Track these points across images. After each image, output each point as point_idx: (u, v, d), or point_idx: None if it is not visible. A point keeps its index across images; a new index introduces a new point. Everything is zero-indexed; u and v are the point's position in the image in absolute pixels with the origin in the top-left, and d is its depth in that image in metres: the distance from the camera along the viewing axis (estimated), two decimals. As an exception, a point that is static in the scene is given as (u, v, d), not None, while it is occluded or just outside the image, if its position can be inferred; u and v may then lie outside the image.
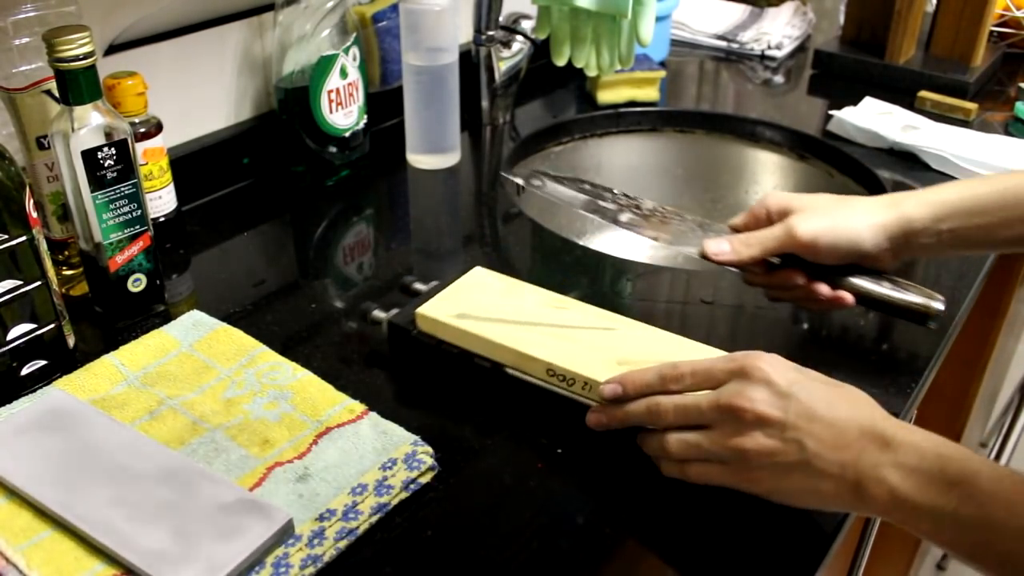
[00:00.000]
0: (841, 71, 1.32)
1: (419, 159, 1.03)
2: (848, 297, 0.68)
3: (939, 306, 0.67)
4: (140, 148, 0.78)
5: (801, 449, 0.53)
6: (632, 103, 1.20)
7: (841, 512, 0.58)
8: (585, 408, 0.63)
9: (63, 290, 0.75)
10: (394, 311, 0.70)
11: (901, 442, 0.51)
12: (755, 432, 0.54)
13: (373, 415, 0.64)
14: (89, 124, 0.67)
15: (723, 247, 0.71)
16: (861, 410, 0.54)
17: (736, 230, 0.73)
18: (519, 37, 1.13)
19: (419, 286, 0.74)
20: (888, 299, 0.68)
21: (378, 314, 0.71)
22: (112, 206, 0.70)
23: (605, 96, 1.20)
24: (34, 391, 0.65)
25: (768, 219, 0.71)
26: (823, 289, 0.68)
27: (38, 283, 0.65)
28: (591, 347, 0.64)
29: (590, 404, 0.62)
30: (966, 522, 0.49)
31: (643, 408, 0.58)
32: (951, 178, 1.02)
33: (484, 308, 0.68)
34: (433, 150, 1.03)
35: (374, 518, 0.57)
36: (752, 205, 0.73)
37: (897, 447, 0.51)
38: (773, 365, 0.55)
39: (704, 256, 0.71)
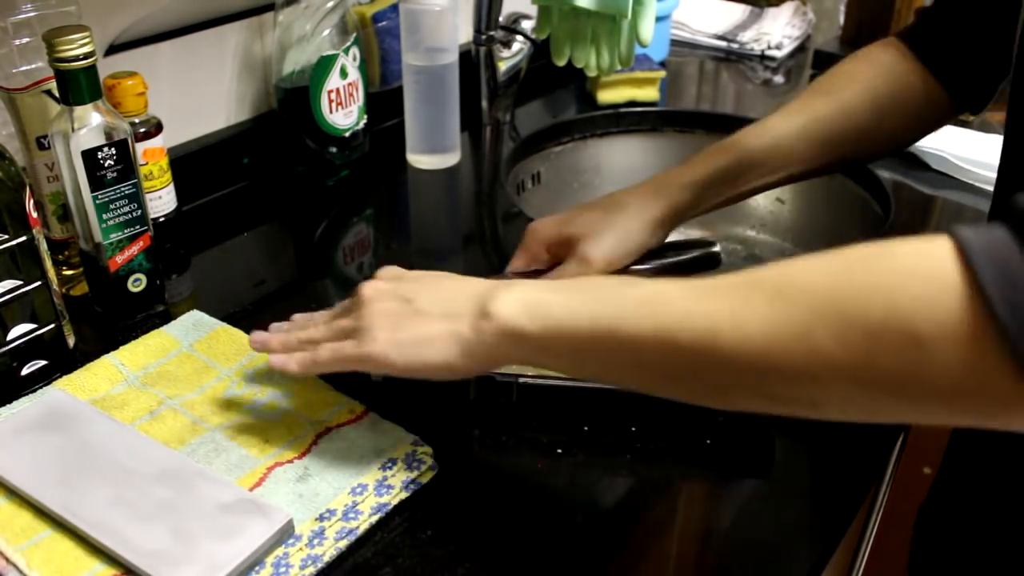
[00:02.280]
0: (841, 71, 1.31)
1: (419, 159, 1.03)
2: None
3: (717, 248, 0.75)
4: (140, 148, 0.78)
5: (412, 300, 0.55)
6: (632, 103, 1.20)
7: (483, 372, 0.57)
8: (620, 394, 0.62)
9: (63, 290, 0.75)
10: None
11: (510, 286, 0.52)
12: (373, 300, 0.56)
13: (373, 415, 0.64)
14: (89, 124, 0.67)
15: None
16: (473, 282, 0.56)
17: (516, 273, 0.74)
18: (519, 37, 1.13)
19: None
20: (678, 264, 0.74)
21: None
22: (112, 206, 0.70)
23: (605, 96, 1.20)
24: (34, 391, 0.65)
25: (546, 252, 0.73)
26: None
27: (38, 283, 0.65)
28: None
29: (627, 391, 0.63)
30: (590, 305, 0.48)
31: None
32: (951, 178, 1.02)
33: None
34: (433, 150, 1.03)
35: (374, 518, 0.57)
36: (523, 243, 0.74)
37: (509, 288, 0.52)
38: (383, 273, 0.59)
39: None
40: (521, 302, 0.51)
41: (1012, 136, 0.61)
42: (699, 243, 0.76)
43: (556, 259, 0.72)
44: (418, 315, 0.54)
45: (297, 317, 0.65)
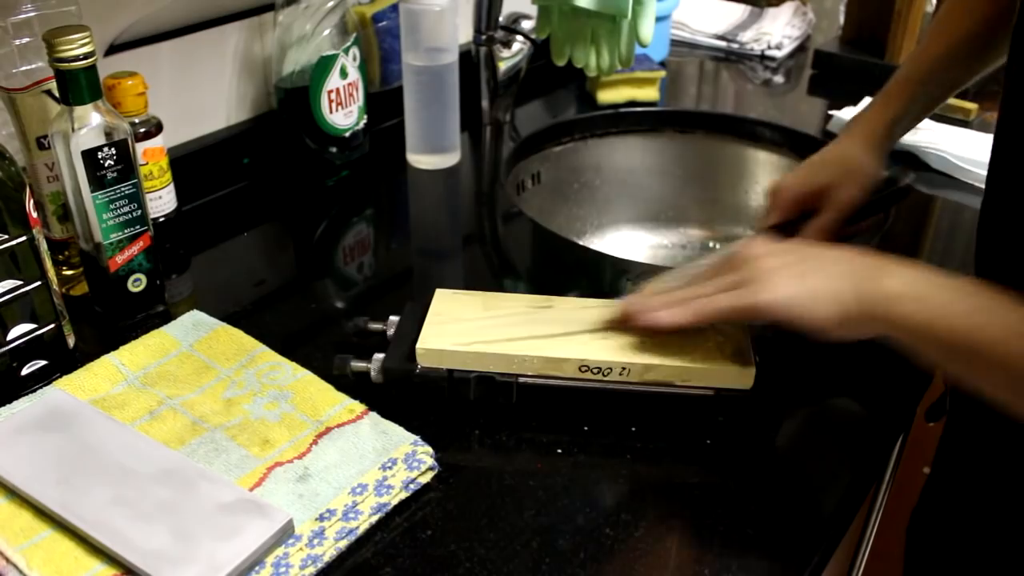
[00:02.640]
0: (841, 71, 1.32)
1: (419, 159, 1.03)
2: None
3: (908, 180, 0.86)
4: (140, 148, 0.78)
5: (801, 260, 0.58)
6: (632, 103, 1.20)
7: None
8: (620, 394, 0.64)
9: (63, 290, 0.75)
10: (377, 357, 0.66)
11: (899, 266, 0.56)
12: (757, 257, 0.59)
13: (373, 415, 0.64)
14: (89, 124, 0.67)
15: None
16: (857, 254, 0.58)
17: (774, 227, 0.80)
18: (519, 37, 1.13)
19: (375, 325, 0.71)
20: (878, 200, 0.83)
21: (359, 364, 0.66)
22: (112, 206, 0.70)
23: (605, 96, 1.20)
24: (34, 391, 0.65)
25: (796, 206, 0.79)
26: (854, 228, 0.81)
27: (38, 283, 0.65)
28: (604, 333, 0.65)
29: (627, 389, 0.63)
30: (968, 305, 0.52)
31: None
32: (951, 178, 1.02)
33: (478, 327, 0.66)
34: (433, 150, 1.03)
35: (374, 518, 0.57)
36: (771, 201, 0.81)
37: (899, 268, 0.55)
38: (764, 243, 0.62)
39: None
40: (910, 286, 0.54)
41: (1004, 132, 0.62)
42: (888, 181, 0.84)
43: (805, 210, 0.79)
44: (807, 272, 0.57)
45: (658, 282, 0.67)
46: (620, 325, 0.65)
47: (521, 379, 0.65)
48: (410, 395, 0.66)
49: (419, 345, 0.65)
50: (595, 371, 0.63)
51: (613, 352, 0.64)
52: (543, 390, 0.65)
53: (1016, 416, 0.51)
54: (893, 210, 0.95)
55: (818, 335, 0.57)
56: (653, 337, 0.64)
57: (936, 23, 0.81)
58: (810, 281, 0.56)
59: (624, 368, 0.63)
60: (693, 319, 0.60)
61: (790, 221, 0.80)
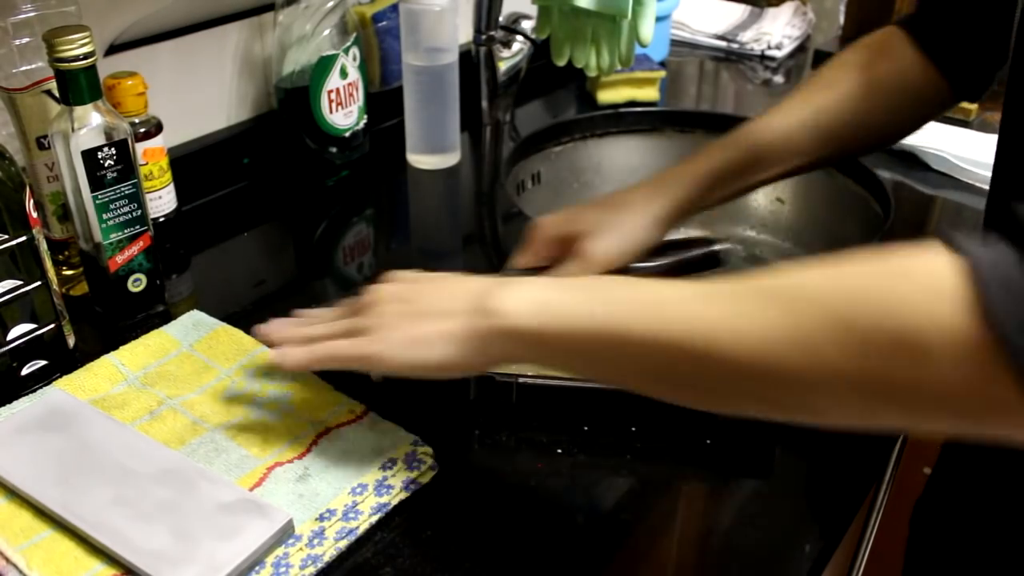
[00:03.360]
0: (841, 71, 1.31)
1: (419, 159, 1.03)
2: None
3: (719, 247, 0.76)
4: (140, 148, 0.78)
5: (413, 301, 0.55)
6: (632, 103, 1.20)
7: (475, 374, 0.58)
8: (620, 394, 0.63)
9: (63, 290, 0.75)
10: None
11: (511, 283, 0.52)
12: (377, 303, 0.57)
13: (373, 415, 0.64)
14: (89, 124, 0.67)
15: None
16: (474, 281, 0.55)
17: (518, 269, 0.74)
18: (519, 37, 1.13)
19: None
20: (681, 262, 0.75)
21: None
22: (112, 206, 0.70)
23: (605, 96, 1.20)
24: (34, 391, 0.65)
25: (549, 250, 0.72)
26: None
27: (38, 283, 0.65)
28: None
29: (627, 391, 0.63)
30: (598, 303, 0.48)
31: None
32: (951, 178, 1.02)
33: None
34: (433, 150, 1.03)
35: (374, 518, 0.57)
36: (526, 239, 0.73)
37: (510, 285, 0.52)
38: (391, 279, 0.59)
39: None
40: (522, 299, 0.51)
41: (1008, 131, 0.61)
42: (702, 241, 0.76)
43: (559, 256, 0.72)
44: (418, 316, 0.54)
45: (301, 313, 0.65)
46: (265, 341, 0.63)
47: (521, 379, 0.65)
48: (410, 395, 0.66)
49: None
50: None
51: None
52: (543, 390, 0.65)
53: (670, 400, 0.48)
54: (893, 208, 0.95)
55: (443, 375, 0.54)
56: None
57: (797, 92, 0.76)
58: (417, 326, 0.54)
59: None
60: (308, 363, 0.58)
61: (544, 266, 0.72)
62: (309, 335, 0.59)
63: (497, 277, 0.55)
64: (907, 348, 0.37)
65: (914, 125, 0.78)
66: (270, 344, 0.61)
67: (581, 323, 0.48)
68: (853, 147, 0.78)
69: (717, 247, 0.75)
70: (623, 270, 0.71)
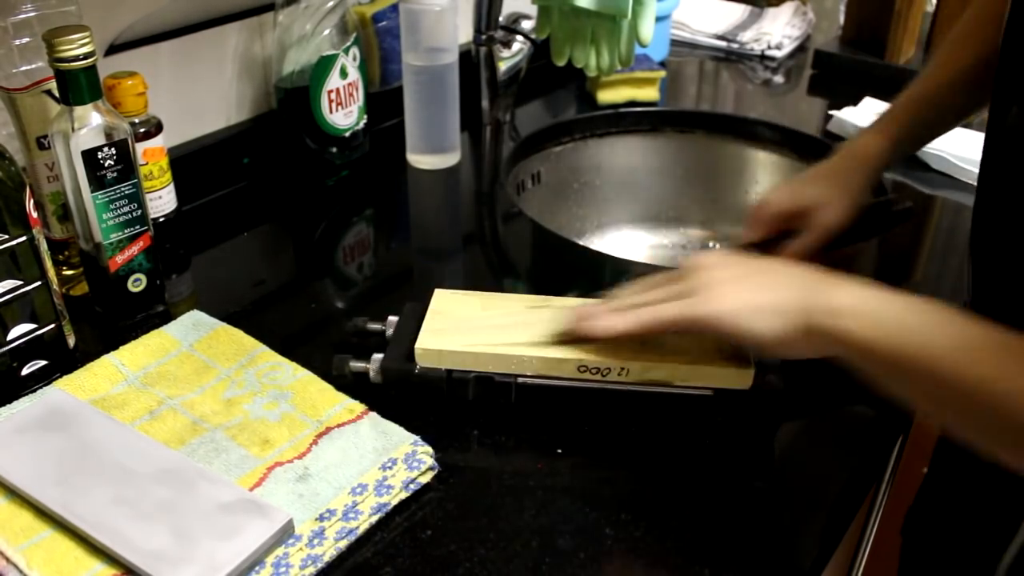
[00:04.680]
0: (841, 71, 1.32)
1: (419, 159, 1.03)
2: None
3: (909, 204, 0.84)
4: (140, 148, 0.78)
5: (750, 273, 0.57)
6: (632, 103, 1.20)
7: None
8: (620, 394, 0.64)
9: (63, 290, 0.75)
10: (376, 357, 0.66)
11: (848, 283, 0.54)
12: (704, 267, 0.59)
13: (373, 415, 0.64)
14: (89, 124, 0.67)
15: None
16: (807, 271, 0.57)
17: (754, 244, 0.77)
18: (519, 37, 1.13)
19: (374, 325, 0.71)
20: (880, 218, 0.82)
21: (357, 364, 0.66)
22: (112, 206, 0.70)
23: (605, 96, 1.20)
24: (34, 391, 0.65)
25: (779, 224, 0.76)
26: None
27: (38, 283, 0.65)
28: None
29: (626, 391, 0.63)
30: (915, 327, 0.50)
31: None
32: (951, 178, 1.02)
33: (476, 326, 0.66)
34: (433, 150, 1.03)
35: (374, 518, 0.57)
36: (754, 216, 0.78)
37: (847, 285, 0.54)
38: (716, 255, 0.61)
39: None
40: (858, 301, 0.52)
41: (993, 128, 0.62)
42: (889, 201, 0.84)
43: (784, 229, 0.76)
44: (755, 286, 0.56)
45: (619, 292, 0.65)
46: (568, 335, 0.64)
47: (520, 379, 0.65)
48: (409, 395, 0.66)
49: (418, 345, 0.65)
50: (594, 371, 0.63)
51: (612, 352, 0.63)
52: (542, 390, 0.65)
53: (967, 441, 0.50)
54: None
55: (764, 350, 0.56)
56: (652, 337, 0.64)
57: (943, 48, 0.80)
58: (755, 294, 0.55)
59: (623, 368, 0.63)
60: (635, 327, 0.59)
61: (771, 239, 0.77)
62: (631, 303, 0.60)
63: (816, 271, 0.57)
64: None
65: None
66: (599, 323, 0.61)
67: (903, 344, 0.50)
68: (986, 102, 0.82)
69: (906, 204, 0.84)
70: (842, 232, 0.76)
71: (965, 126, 1.12)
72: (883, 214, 0.83)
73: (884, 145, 0.78)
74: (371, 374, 0.66)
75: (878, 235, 0.85)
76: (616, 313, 0.61)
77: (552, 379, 0.64)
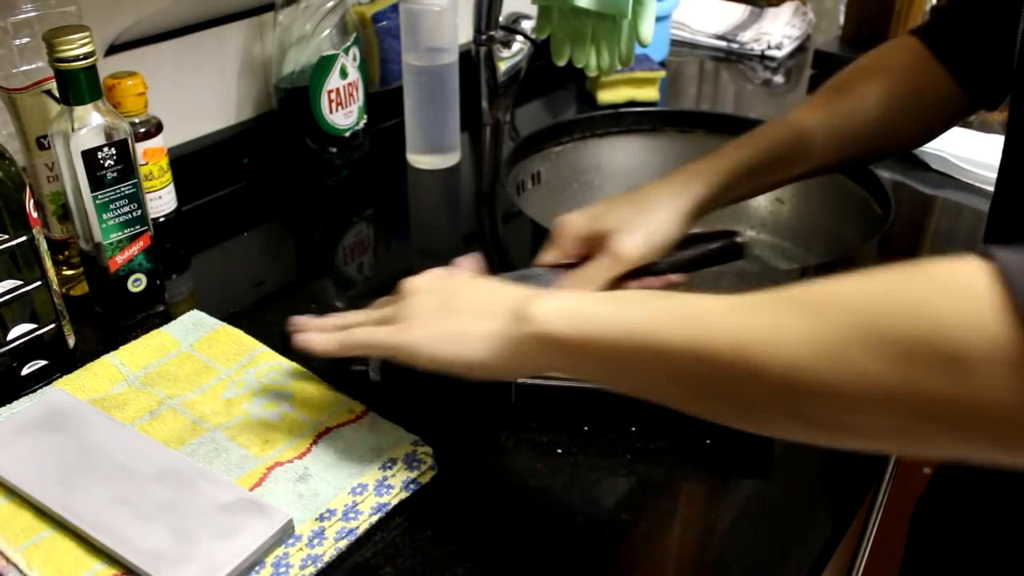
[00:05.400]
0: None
1: (419, 159, 1.03)
2: (675, 278, 0.72)
3: (740, 238, 0.74)
4: (140, 148, 0.78)
5: (452, 297, 0.56)
6: (632, 103, 1.20)
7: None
8: (608, 395, 0.63)
9: (63, 290, 0.75)
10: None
11: (549, 293, 0.53)
12: (413, 293, 0.57)
13: (373, 415, 0.64)
14: (89, 124, 0.67)
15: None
16: (512, 287, 0.56)
17: (545, 267, 0.73)
18: (519, 37, 1.13)
19: None
20: (704, 255, 0.74)
21: (358, 367, 0.66)
22: (112, 206, 0.70)
23: (605, 96, 1.20)
24: (34, 391, 0.65)
25: (576, 248, 0.71)
26: (654, 282, 0.71)
27: (38, 283, 0.65)
28: None
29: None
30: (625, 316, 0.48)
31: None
32: (951, 178, 1.02)
33: None
34: (433, 150, 1.03)
35: (374, 518, 0.57)
36: (553, 237, 0.72)
37: (548, 295, 0.52)
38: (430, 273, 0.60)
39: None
40: (559, 309, 0.50)
41: (1014, 134, 0.61)
42: (723, 234, 0.75)
43: (585, 254, 0.72)
44: (456, 312, 0.54)
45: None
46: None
47: (519, 380, 0.65)
48: (408, 394, 0.66)
49: None
50: None
51: None
52: (541, 390, 0.65)
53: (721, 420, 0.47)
54: (893, 208, 0.95)
55: (472, 375, 0.54)
56: None
57: (817, 96, 0.76)
58: (456, 322, 0.54)
59: None
60: (337, 349, 0.58)
61: (573, 263, 0.71)
62: (345, 323, 0.59)
63: (522, 286, 0.56)
64: (943, 356, 0.36)
65: (931, 133, 0.79)
66: (302, 333, 0.60)
67: (620, 333, 0.47)
68: (871, 152, 0.78)
69: (739, 239, 0.75)
70: (649, 265, 0.71)
71: (965, 126, 1.12)
72: (710, 247, 0.74)
73: (718, 173, 0.73)
74: (370, 372, 0.66)
75: (700, 268, 0.74)
76: (321, 332, 0.59)
77: (552, 379, 0.64)
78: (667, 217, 0.71)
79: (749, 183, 0.75)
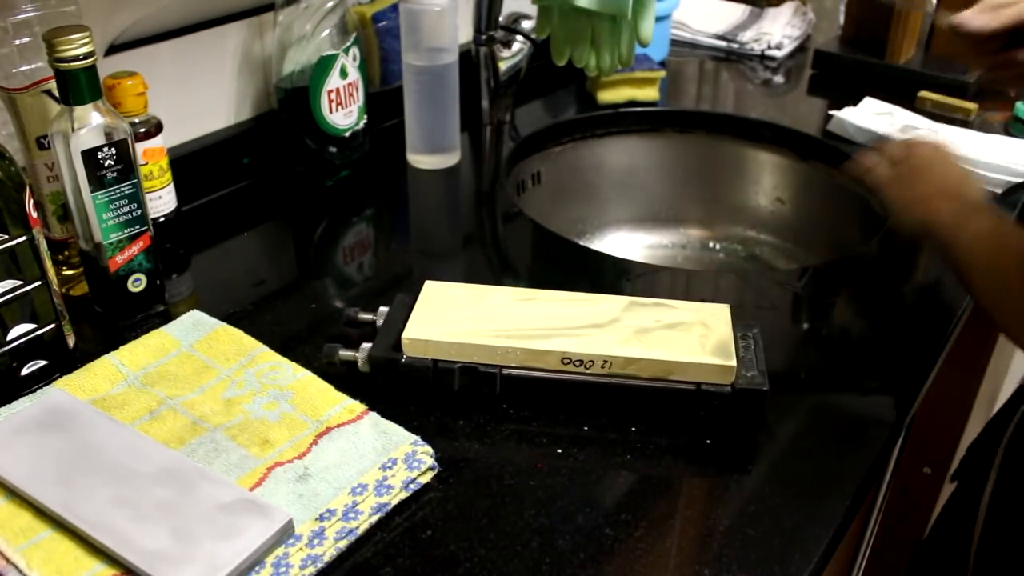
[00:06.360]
0: (841, 71, 1.32)
1: (419, 159, 1.03)
2: None
3: None
4: (140, 148, 0.78)
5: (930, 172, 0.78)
6: (632, 103, 1.20)
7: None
8: (603, 387, 0.64)
9: (63, 290, 0.75)
10: (365, 346, 0.67)
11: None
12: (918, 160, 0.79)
13: (373, 415, 0.64)
14: (89, 124, 0.67)
15: (972, 17, 0.78)
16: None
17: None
18: (519, 37, 1.13)
19: (365, 316, 0.72)
20: None
21: (346, 353, 0.67)
22: (112, 206, 0.70)
23: (605, 96, 1.20)
24: (34, 391, 0.65)
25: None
26: None
27: (38, 283, 0.65)
28: (587, 327, 0.66)
29: (609, 383, 0.64)
30: None
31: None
32: (951, 178, 1.02)
33: (463, 318, 0.67)
34: (433, 150, 1.03)
35: (374, 518, 0.57)
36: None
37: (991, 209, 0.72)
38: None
39: (954, 26, 0.78)
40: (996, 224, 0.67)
41: None
42: None
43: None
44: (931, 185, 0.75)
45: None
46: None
47: (504, 370, 0.65)
48: (396, 385, 0.66)
49: (405, 335, 0.65)
50: (577, 363, 0.64)
51: (595, 345, 0.64)
52: (526, 382, 0.65)
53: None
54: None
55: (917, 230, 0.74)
56: (637, 332, 0.65)
57: None
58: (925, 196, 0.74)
59: (606, 361, 0.64)
60: (872, 178, 0.82)
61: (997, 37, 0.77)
62: (888, 157, 0.83)
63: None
64: None
65: None
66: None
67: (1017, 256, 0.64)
68: None
69: None
70: None
71: (965, 126, 1.12)
72: None
73: None
74: (359, 363, 0.67)
75: None
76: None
77: (536, 371, 0.65)
78: None
79: None
